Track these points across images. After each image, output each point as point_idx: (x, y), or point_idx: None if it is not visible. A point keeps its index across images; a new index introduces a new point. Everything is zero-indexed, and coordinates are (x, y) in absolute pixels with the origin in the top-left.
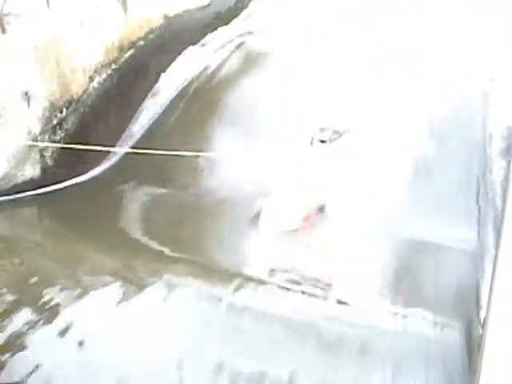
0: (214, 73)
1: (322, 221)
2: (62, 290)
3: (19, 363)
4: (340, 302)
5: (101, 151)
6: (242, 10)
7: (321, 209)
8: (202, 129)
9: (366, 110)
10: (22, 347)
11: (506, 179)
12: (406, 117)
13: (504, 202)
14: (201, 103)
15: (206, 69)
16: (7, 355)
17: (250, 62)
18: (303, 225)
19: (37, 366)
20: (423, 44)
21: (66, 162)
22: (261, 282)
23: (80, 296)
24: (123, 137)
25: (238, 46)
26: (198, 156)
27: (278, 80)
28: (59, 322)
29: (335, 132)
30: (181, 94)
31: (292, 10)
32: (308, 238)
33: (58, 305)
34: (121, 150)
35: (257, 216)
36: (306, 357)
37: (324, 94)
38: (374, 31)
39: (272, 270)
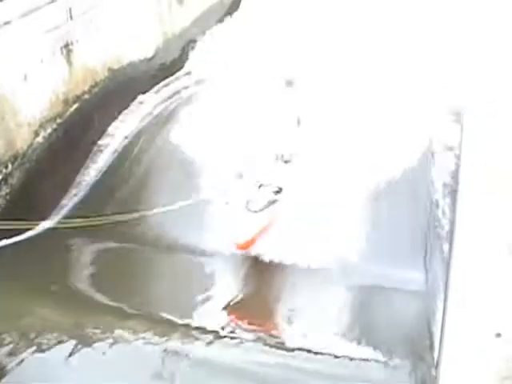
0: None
1: None
2: (8, 345)
3: None
4: (290, 349)
5: (47, 206)
6: (186, 62)
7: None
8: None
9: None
10: None
11: (452, 221)
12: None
13: (451, 242)
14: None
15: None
16: None
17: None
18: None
19: None
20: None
21: (12, 217)
22: (214, 335)
23: (28, 352)
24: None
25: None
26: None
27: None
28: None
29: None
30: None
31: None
32: None
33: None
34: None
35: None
36: None
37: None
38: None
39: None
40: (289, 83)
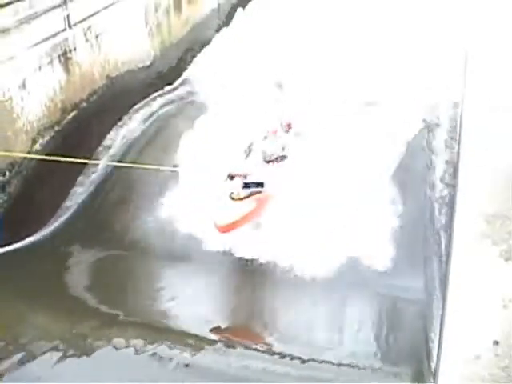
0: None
1: None
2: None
3: None
4: (287, 357)
5: (45, 213)
6: (183, 70)
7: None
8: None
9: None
10: None
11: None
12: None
13: (449, 248)
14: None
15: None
16: None
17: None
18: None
19: None
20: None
21: (9, 226)
22: (209, 342)
23: (23, 360)
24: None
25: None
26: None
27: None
28: None
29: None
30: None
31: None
32: None
33: None
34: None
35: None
36: None
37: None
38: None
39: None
40: (279, 86)
